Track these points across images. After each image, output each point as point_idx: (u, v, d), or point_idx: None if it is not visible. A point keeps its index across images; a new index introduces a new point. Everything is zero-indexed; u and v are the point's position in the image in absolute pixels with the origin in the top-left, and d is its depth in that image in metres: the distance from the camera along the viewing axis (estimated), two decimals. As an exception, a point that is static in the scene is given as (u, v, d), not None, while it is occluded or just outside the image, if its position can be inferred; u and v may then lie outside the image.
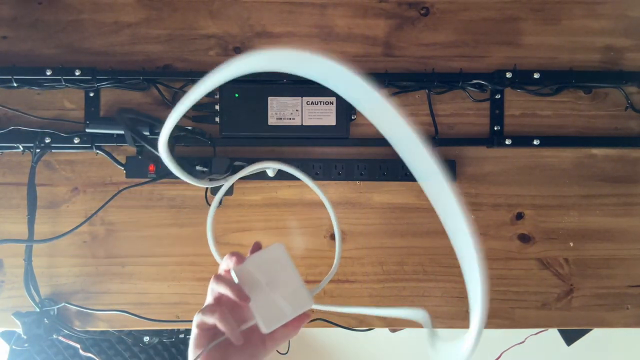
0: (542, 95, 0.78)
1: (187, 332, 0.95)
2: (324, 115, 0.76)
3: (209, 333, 0.49)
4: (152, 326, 0.78)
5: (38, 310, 0.75)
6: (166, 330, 0.97)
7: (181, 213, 0.79)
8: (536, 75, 0.75)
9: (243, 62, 0.36)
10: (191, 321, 0.78)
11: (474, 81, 0.76)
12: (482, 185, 0.79)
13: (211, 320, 0.47)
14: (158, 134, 0.75)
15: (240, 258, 0.51)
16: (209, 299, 0.51)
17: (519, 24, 0.79)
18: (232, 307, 0.50)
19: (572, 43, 0.79)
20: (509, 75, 0.75)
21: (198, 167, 0.73)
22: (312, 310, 0.53)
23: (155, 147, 0.65)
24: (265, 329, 0.49)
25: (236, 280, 0.50)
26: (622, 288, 0.78)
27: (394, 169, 0.77)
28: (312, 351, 1.71)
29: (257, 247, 0.55)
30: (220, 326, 0.47)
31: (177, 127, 0.76)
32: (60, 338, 0.78)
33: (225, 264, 0.52)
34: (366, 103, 0.38)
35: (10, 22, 0.78)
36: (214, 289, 0.50)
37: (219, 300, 0.50)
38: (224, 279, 0.49)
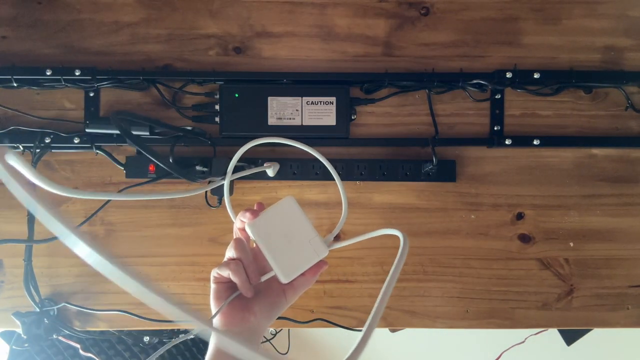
0: (542, 95, 0.78)
1: (187, 332, 0.95)
2: (324, 115, 0.76)
3: (226, 286, 0.52)
4: (152, 326, 0.78)
5: (38, 310, 0.75)
6: (166, 330, 0.97)
7: (181, 213, 0.79)
8: (536, 75, 0.75)
9: None
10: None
11: (474, 81, 0.76)
12: (482, 185, 0.79)
13: (225, 272, 0.50)
14: (158, 134, 0.76)
15: (254, 213, 0.52)
16: (225, 259, 0.53)
17: (519, 24, 0.79)
18: (251, 260, 0.51)
19: (572, 43, 0.79)
20: (509, 75, 0.75)
21: (198, 167, 0.73)
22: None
23: (151, 151, 0.64)
24: (284, 279, 0.50)
25: (252, 235, 0.51)
26: (623, 288, 0.78)
27: (394, 169, 0.77)
28: (312, 351, 1.71)
29: (260, 207, 0.56)
30: (233, 278, 0.49)
31: (177, 127, 0.76)
32: (60, 338, 0.78)
33: (240, 221, 0.53)
34: None
35: (10, 22, 0.78)
36: (230, 254, 0.52)
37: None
38: (239, 246, 0.51)
